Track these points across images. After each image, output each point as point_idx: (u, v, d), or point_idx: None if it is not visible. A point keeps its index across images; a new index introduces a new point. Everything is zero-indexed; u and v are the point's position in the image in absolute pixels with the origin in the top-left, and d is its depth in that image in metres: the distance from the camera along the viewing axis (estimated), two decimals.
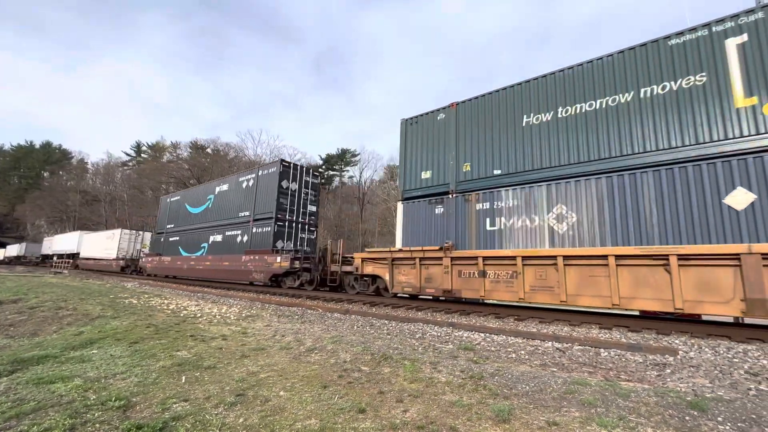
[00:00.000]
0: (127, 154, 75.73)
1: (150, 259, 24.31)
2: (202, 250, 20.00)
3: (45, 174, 78.94)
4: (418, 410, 3.08)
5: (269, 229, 16.17)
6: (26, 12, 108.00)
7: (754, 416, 2.98)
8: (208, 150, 62.48)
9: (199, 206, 21.65)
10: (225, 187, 19.91)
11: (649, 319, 7.78)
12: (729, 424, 2.85)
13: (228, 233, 18.52)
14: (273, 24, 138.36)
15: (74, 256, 38.08)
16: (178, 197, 24.43)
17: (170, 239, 23.58)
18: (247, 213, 17.62)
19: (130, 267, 28.46)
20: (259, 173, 17.65)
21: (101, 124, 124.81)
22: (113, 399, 3.23)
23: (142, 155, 75.07)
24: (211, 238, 19.46)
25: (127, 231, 31.18)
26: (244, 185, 18.41)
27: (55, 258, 42.99)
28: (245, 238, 17.22)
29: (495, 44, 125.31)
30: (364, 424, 2.82)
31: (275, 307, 10.11)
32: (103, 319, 7.64)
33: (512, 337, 6.31)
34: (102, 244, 31.95)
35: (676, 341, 5.89)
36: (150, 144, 75.31)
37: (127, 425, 2.73)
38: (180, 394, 3.41)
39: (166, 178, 59.86)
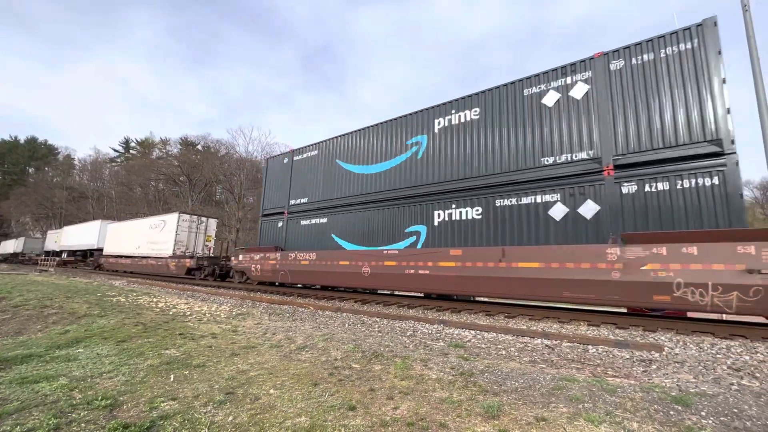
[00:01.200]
0: (115, 150, 74.41)
1: (258, 257, 14.66)
2: (412, 238, 10.59)
3: (30, 170, 77.23)
4: (408, 407, 3.09)
5: (716, 180, 6.61)
6: (9, 5, 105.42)
7: (736, 410, 3.05)
8: (199, 147, 61.72)
9: (382, 161, 11.94)
10: (471, 114, 10.02)
11: (636, 316, 7.91)
12: (712, 418, 2.92)
13: (509, 201, 8.91)
14: (265, 21, 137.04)
15: (93, 253, 29.65)
16: (315, 152, 14.23)
17: (304, 223, 13.92)
18: (584, 155, 8.04)
19: (205, 269, 18.41)
20: (635, 59, 7.78)
21: (89, 119, 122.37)
22: (100, 398, 3.18)
23: (131, 151, 73.86)
24: (439, 216, 10.06)
25: (186, 216, 20.68)
26: (576, 90, 8.40)
27: (64, 255, 34.35)
28: (590, 209, 7.73)
29: (488, 43, 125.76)
30: (355, 422, 2.82)
31: (266, 306, 10.05)
32: (90, 317, 7.52)
33: (502, 334, 6.36)
34: (143, 237, 22.69)
35: (662, 338, 6.00)
36: (139, 140, 74.19)
37: (114, 424, 2.69)
38: (168, 393, 3.38)
39: (155, 174, 58.97)
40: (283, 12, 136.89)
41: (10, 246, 48.17)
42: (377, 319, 7.93)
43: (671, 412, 3.01)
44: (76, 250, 32.44)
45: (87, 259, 31.57)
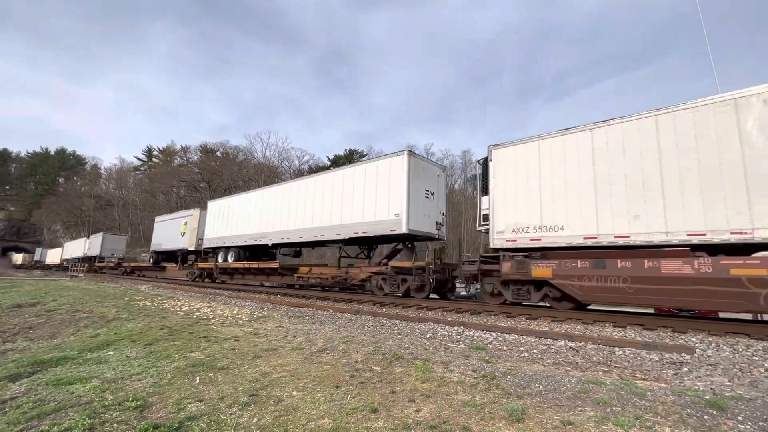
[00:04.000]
0: (139, 159, 77.07)
1: None
2: None
3: (60, 180, 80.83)
4: (430, 410, 3.07)
5: None
6: (37, 21, 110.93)
7: None
8: (218, 153, 63.25)
9: None
10: None
11: (664, 316, 7.64)
12: (750, 423, 2.79)
13: None
14: (277, 28, 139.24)
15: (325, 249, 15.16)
16: None
17: None
18: None
19: None
20: None
21: (113, 129, 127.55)
22: (130, 399, 3.29)
23: (153, 160, 76.30)
24: None
25: None
26: None
27: (218, 259, 17.52)
28: None
29: (499, 42, 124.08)
30: (377, 424, 2.82)
31: (286, 309, 10.18)
32: (119, 321, 7.78)
33: (524, 336, 6.25)
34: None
35: (693, 339, 5.77)
36: (161, 148, 76.55)
37: (144, 425, 2.77)
38: (194, 395, 3.46)
39: (177, 181, 60.72)
40: (294, 18, 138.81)
41: (78, 247, 31.99)
42: (396, 321, 7.91)
43: (705, 417, 2.89)
44: (284, 244, 14.73)
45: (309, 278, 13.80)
